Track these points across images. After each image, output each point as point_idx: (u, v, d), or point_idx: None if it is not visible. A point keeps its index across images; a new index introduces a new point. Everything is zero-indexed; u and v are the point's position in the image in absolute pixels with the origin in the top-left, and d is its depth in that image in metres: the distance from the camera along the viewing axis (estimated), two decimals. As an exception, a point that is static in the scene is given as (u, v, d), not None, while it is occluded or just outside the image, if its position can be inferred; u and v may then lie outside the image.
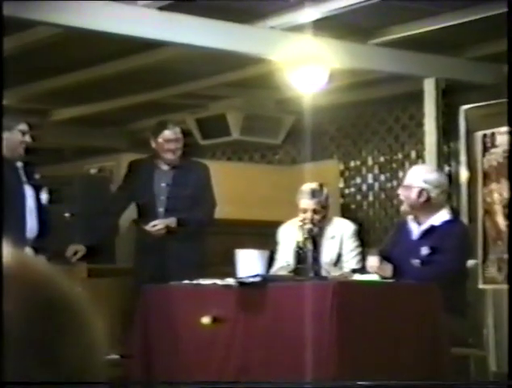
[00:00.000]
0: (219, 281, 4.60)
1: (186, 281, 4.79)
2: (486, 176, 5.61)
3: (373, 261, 4.72)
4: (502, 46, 6.37)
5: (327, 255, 5.29)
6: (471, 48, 6.67)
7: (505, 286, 5.58)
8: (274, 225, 5.63)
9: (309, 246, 5.05)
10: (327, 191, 5.39)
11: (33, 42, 6.04)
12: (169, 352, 4.67)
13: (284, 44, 5.93)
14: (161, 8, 5.48)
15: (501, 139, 5.52)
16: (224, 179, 6.48)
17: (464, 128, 6.41)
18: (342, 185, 8.27)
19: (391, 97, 7.60)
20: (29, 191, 4.83)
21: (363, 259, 5.09)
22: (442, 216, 4.85)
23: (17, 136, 4.77)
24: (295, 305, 4.21)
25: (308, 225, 5.18)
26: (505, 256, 5.41)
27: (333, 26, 5.90)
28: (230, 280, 4.53)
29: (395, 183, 7.67)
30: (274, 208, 6.99)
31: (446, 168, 7.03)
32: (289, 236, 5.33)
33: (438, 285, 4.37)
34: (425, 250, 4.74)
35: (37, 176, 4.98)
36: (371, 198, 8.11)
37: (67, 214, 6.60)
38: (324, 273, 5.05)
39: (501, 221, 5.47)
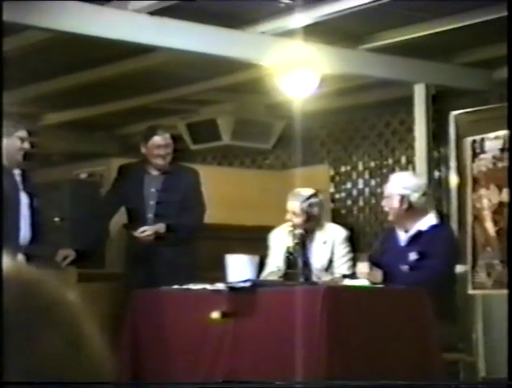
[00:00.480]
0: (209, 286, 4.59)
1: (176, 286, 4.79)
2: (475, 182, 5.63)
3: (363, 268, 4.73)
4: (492, 52, 6.40)
5: (318, 260, 5.29)
6: (461, 54, 6.69)
7: (494, 291, 5.60)
8: (265, 230, 5.63)
9: (299, 251, 5.05)
10: (318, 199, 5.37)
11: (23, 46, 6.03)
12: (159, 357, 4.66)
13: (275, 49, 5.94)
14: (151, 13, 5.48)
15: (490, 145, 5.54)
16: (214, 183, 6.48)
17: (454, 134, 6.43)
18: (332, 190, 8.28)
19: (381, 102, 7.62)
20: (24, 199, 4.81)
21: (354, 264, 5.10)
22: (428, 220, 4.87)
23: (15, 142, 4.73)
24: (286, 310, 4.21)
25: (298, 230, 5.18)
26: (495, 262, 5.42)
27: (324, 31, 5.91)
28: (220, 285, 4.53)
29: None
30: (265, 212, 6.99)
31: (436, 173, 7.05)
32: (280, 241, 5.34)
33: (427, 291, 4.38)
34: (413, 256, 4.76)
35: (32, 183, 4.96)
36: (361, 203, 8.12)
37: (57, 219, 6.59)
38: (314, 278, 5.06)
39: (490, 227, 5.48)
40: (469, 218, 5.69)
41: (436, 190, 6.91)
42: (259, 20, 5.86)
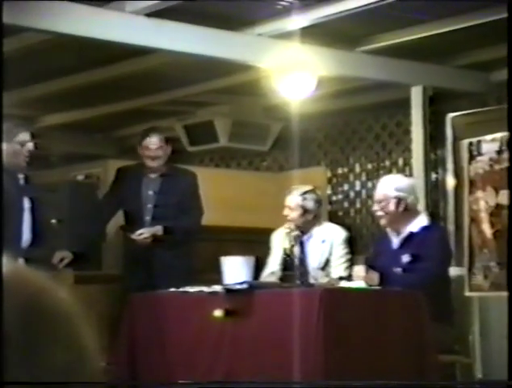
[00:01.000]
0: (206, 289, 4.59)
1: (173, 289, 4.78)
2: (472, 184, 5.64)
3: (359, 271, 4.72)
4: (489, 54, 6.41)
5: (315, 258, 5.29)
6: (458, 56, 6.70)
7: (491, 294, 5.60)
8: (262, 232, 5.63)
9: (296, 252, 5.05)
10: (314, 195, 5.38)
11: (20, 48, 6.03)
12: (156, 359, 4.66)
13: (272, 51, 5.94)
14: (148, 15, 5.48)
15: (487, 147, 5.55)
16: (211, 185, 6.48)
17: (451, 136, 6.43)
18: (329, 192, 8.28)
19: (378, 104, 7.63)
20: (26, 203, 4.80)
21: (352, 266, 5.10)
22: (420, 222, 4.86)
23: (16, 147, 4.72)
24: (283, 312, 4.21)
25: (295, 232, 5.19)
26: (491, 264, 5.43)
27: (321, 33, 5.92)
28: (217, 288, 4.53)
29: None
30: (262, 214, 7.00)
31: (433, 175, 7.06)
32: (280, 242, 5.35)
33: (422, 292, 4.38)
34: (405, 258, 4.75)
35: (34, 187, 4.95)
36: (358, 205, 8.13)
37: (54, 221, 6.59)
38: (311, 279, 5.06)
39: (487, 229, 5.49)
40: (466, 220, 5.70)
41: (433, 192, 6.92)
42: (256, 22, 5.86)
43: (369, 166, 8.06)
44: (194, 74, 7.00)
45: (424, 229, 4.83)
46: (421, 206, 5.55)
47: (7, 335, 0.70)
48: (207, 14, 5.63)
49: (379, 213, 4.89)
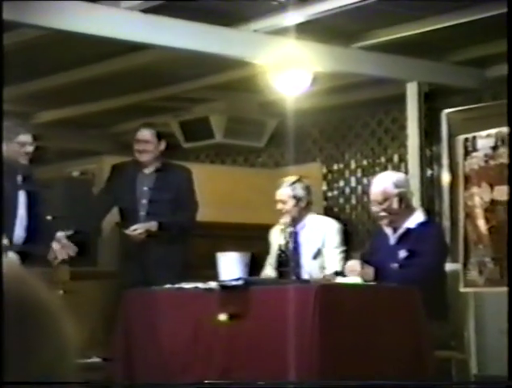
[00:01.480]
0: (201, 285, 4.59)
1: (168, 285, 4.78)
2: (467, 180, 5.64)
3: (355, 265, 4.72)
4: (485, 50, 6.42)
5: (308, 247, 5.30)
6: (453, 52, 6.70)
7: (485, 289, 5.61)
8: (258, 228, 5.64)
9: (291, 248, 5.06)
10: (303, 183, 5.40)
11: (15, 44, 6.02)
12: (152, 356, 4.66)
13: (267, 47, 5.94)
14: (144, 10, 5.47)
15: (482, 143, 5.55)
16: (207, 181, 6.48)
17: (446, 132, 6.44)
18: (324, 188, 8.29)
19: (374, 100, 7.63)
20: (22, 198, 4.79)
21: (347, 258, 5.11)
22: (416, 218, 4.86)
23: (15, 147, 4.71)
24: (278, 308, 4.21)
25: (289, 229, 5.19)
26: (486, 259, 5.43)
27: (317, 29, 5.92)
28: (212, 284, 4.53)
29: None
30: (258, 210, 7.00)
31: (429, 171, 7.07)
32: (277, 239, 5.36)
33: (418, 288, 4.39)
34: (402, 254, 4.75)
35: (33, 182, 4.94)
36: (353, 201, 8.13)
37: (49, 217, 6.58)
38: (306, 274, 5.07)
39: (482, 225, 5.49)
40: (461, 216, 5.70)
41: (428, 188, 6.93)
42: (252, 18, 5.86)
43: (364, 162, 8.06)
44: (189, 70, 6.99)
45: (421, 225, 4.84)
46: (416, 202, 5.56)
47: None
48: (202, 10, 5.62)
49: (383, 214, 4.85)
